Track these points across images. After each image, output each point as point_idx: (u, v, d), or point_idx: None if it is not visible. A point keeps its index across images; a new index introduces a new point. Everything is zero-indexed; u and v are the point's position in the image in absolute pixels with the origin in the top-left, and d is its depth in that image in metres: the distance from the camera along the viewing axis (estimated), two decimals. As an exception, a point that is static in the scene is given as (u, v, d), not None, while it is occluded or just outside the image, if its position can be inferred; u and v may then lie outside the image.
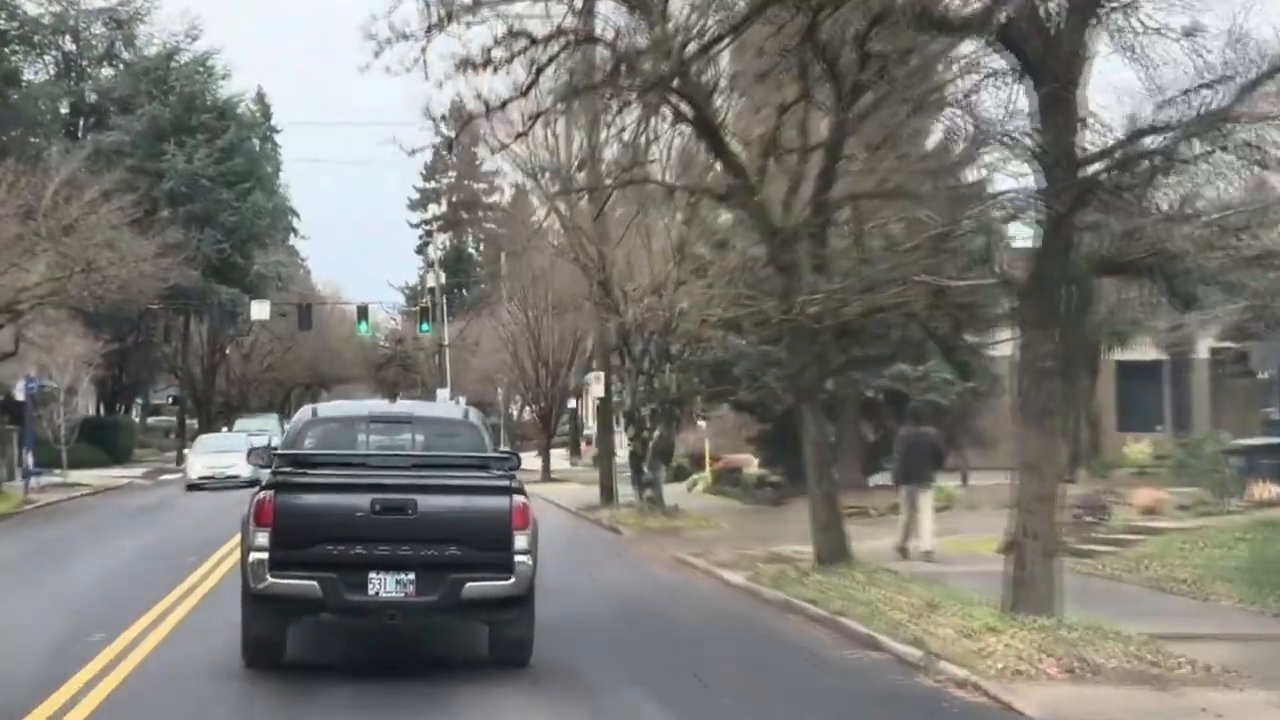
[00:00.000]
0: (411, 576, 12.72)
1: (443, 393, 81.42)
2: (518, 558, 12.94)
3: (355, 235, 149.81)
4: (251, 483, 41.84)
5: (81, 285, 40.72)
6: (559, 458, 68.43)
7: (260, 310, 60.53)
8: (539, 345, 49.36)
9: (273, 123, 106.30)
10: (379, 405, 17.23)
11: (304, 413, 15.57)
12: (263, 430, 55.44)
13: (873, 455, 36.78)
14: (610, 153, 22.15)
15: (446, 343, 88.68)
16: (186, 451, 54.89)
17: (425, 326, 71.53)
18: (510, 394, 60.24)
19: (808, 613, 18.09)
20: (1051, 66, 14.11)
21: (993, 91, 15.95)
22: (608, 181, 22.60)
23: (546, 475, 50.08)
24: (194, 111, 67.89)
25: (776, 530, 29.37)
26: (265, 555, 12.71)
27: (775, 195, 21.44)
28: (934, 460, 25.25)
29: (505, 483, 13.26)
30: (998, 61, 15.58)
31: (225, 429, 60.84)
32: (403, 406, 16.72)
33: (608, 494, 35.91)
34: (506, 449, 16.09)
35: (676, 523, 30.80)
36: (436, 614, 13.21)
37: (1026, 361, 15.14)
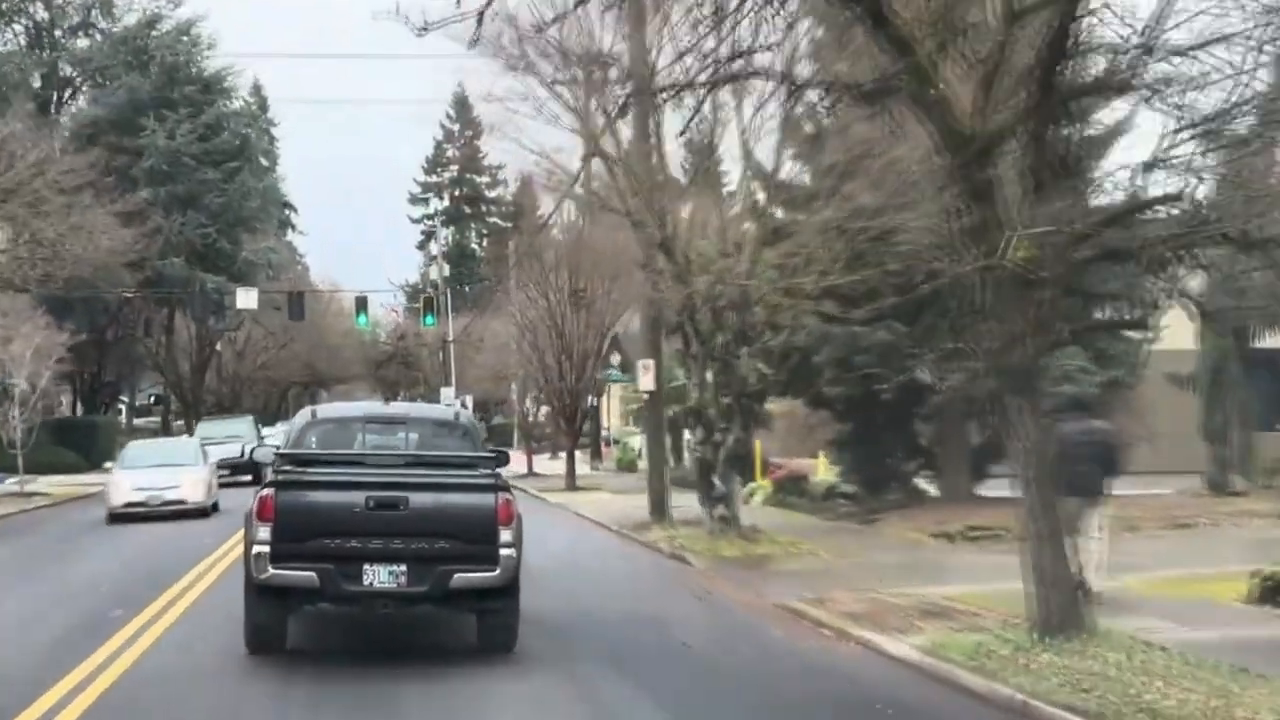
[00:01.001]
0: (403, 568, 13.14)
1: (447, 391, 75.77)
2: (503, 550, 13.29)
3: (355, 232, 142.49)
4: (203, 510, 32.20)
5: (26, 261, 33.27)
6: (579, 462, 60.99)
7: (247, 299, 53.00)
8: (562, 334, 41.81)
9: (269, 115, 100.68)
10: (374, 407, 17.46)
11: (303, 414, 15.92)
12: (233, 436, 46.30)
13: (978, 460, 29.52)
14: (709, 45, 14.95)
15: (451, 338, 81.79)
16: (110, 465, 42.39)
17: (430, 319, 64.58)
18: (525, 390, 52.51)
19: (1075, 730, 10.79)
20: None
21: None
22: (702, 77, 15.22)
23: (572, 483, 42.51)
24: (176, 84, 60.55)
25: (896, 561, 22.06)
26: (267, 548, 13.06)
27: (957, 87, 14.12)
28: (1108, 465, 17.97)
29: (491, 480, 13.77)
30: None
31: (187, 434, 51.44)
32: (397, 408, 17.79)
33: (659, 509, 28.56)
34: (494, 448, 15.75)
35: (759, 549, 23.48)
36: (426, 603, 13.56)
37: None
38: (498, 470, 14.10)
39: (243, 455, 41.88)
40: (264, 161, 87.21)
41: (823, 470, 34.67)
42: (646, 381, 28.62)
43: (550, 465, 54.63)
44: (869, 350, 26.91)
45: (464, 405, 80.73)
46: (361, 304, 61.47)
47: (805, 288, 21.91)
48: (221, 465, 40.54)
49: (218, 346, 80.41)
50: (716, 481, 24.34)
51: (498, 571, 13.20)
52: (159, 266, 58.62)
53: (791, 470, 33.83)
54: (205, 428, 50.51)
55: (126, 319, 63.47)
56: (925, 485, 31.21)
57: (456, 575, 13.11)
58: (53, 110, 60.32)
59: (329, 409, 17.29)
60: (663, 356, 29.21)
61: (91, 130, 59.14)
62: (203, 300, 56.35)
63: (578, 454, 66.76)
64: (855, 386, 27.56)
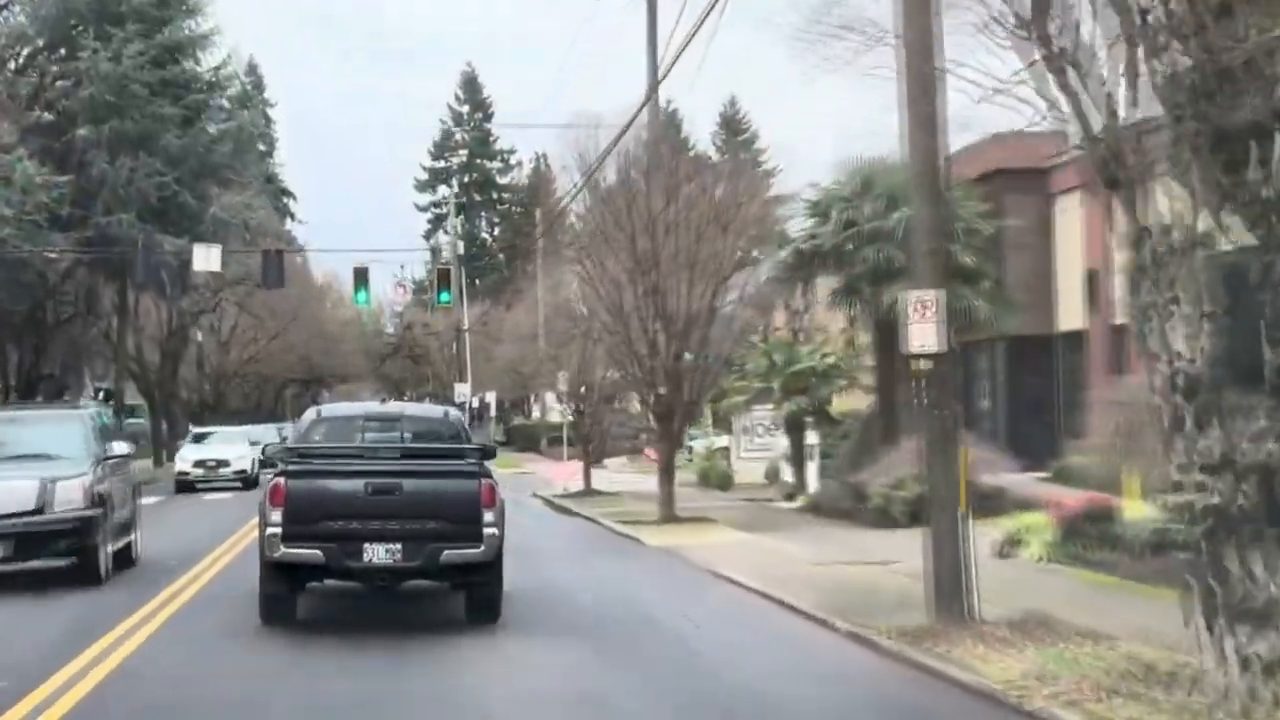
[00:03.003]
0: (398, 546, 14.06)
1: (462, 388, 62.37)
2: (486, 529, 14.12)
3: (357, 223, 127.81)
4: None
5: None
6: (629, 472, 45.35)
7: (207, 258, 37.56)
8: (657, 290, 25.85)
9: (266, 95, 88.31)
10: (373, 407, 18.58)
11: (310, 413, 16.90)
12: (31, 456, 18.38)
13: None
14: None
15: (466, 327, 67.46)
16: None
17: (445, 296, 49.82)
18: (579, 379, 36.14)
19: None
20: None
21: None
22: None
23: (670, 513, 26.43)
24: (122, -6, 45.23)
25: None
26: (279, 529, 13.96)
27: None
28: None
29: (475, 468, 14.67)
30: None
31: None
32: (393, 407, 18.58)
33: (952, 595, 13.08)
34: (487, 438, 17.11)
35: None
36: (419, 577, 14.66)
37: None
38: (483, 461, 14.88)
39: (40, 510, 17.68)
40: (261, 147, 73.21)
41: (1132, 501, 19.23)
42: (923, 335, 13.16)
43: (609, 479, 39.01)
44: None
45: (484, 402, 66.68)
46: (361, 277, 46.47)
47: None
48: None
49: (198, 336, 65.35)
50: (1235, 568, 8.93)
51: (482, 548, 14.07)
52: (102, 224, 43.45)
53: (1095, 501, 18.40)
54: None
55: (68, 294, 48.18)
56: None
57: (445, 552, 14.03)
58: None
59: (332, 409, 18.41)
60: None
61: (16, 52, 44.15)
62: (148, 263, 40.76)
63: (621, 459, 50.86)
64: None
